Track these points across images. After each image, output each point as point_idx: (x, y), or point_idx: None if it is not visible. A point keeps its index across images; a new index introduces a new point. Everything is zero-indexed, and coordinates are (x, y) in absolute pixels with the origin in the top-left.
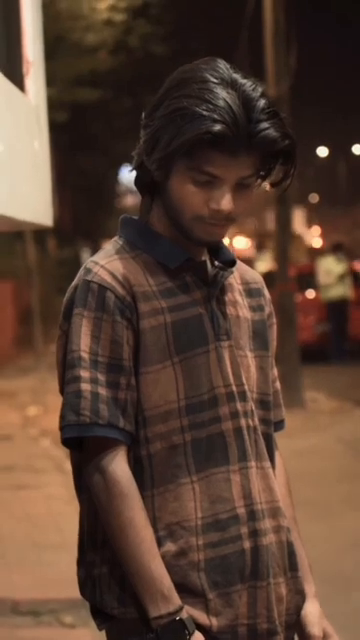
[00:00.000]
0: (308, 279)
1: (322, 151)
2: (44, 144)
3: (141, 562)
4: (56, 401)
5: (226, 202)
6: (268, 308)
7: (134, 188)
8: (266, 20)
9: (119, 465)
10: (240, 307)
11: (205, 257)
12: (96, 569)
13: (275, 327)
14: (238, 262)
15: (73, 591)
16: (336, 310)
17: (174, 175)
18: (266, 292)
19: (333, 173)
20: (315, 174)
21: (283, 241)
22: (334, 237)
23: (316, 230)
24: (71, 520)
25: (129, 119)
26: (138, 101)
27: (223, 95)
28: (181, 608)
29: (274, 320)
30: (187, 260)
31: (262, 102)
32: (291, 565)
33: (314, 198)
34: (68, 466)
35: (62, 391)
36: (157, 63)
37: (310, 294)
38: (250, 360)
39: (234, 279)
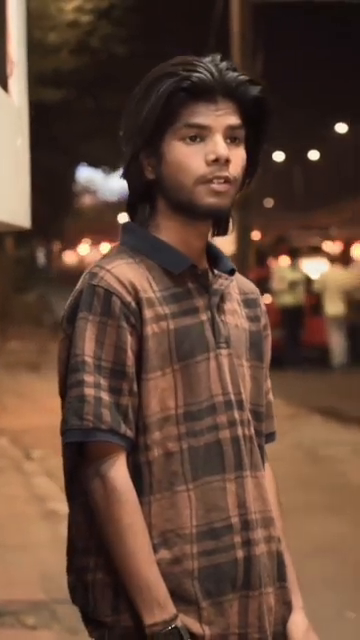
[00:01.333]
0: (264, 284)
1: (278, 156)
2: (25, 146)
3: (138, 569)
4: (13, 401)
5: (221, 148)
6: (264, 319)
7: (92, 187)
8: (233, 27)
9: (119, 471)
10: (238, 317)
11: (205, 265)
12: (89, 575)
13: (270, 339)
14: (236, 272)
15: (35, 592)
16: (290, 316)
17: (166, 150)
18: (262, 303)
19: (289, 178)
20: (271, 179)
21: (243, 246)
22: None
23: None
24: (32, 521)
25: (90, 120)
26: (100, 102)
27: (194, 59)
28: (176, 616)
29: (269, 332)
30: (190, 267)
31: (226, 62)
32: (280, 575)
33: (269, 203)
34: (27, 466)
35: (62, 394)
36: (119, 64)
37: (267, 299)
38: (246, 370)
39: (233, 289)
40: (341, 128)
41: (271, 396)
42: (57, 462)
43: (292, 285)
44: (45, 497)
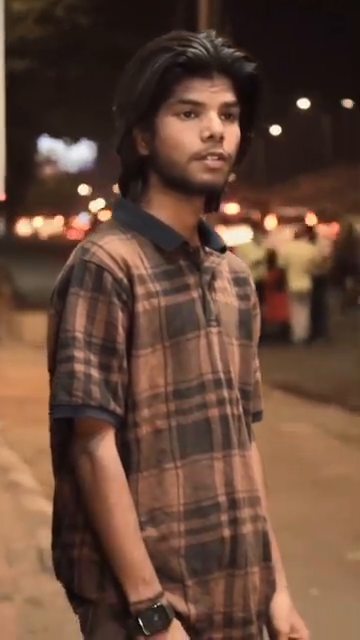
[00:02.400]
0: None
1: None
2: (1, 118)
3: (124, 546)
4: None
5: (216, 124)
6: (253, 298)
7: (53, 157)
8: (201, 1)
9: (107, 448)
10: (228, 295)
11: (197, 243)
12: (75, 551)
13: (259, 318)
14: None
15: None
16: None
17: (159, 125)
18: (252, 282)
19: (250, 153)
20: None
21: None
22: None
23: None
24: None
25: (53, 90)
26: (63, 72)
27: (190, 35)
28: (162, 594)
29: (258, 311)
30: (182, 244)
31: (221, 38)
32: (265, 555)
33: (231, 177)
34: None
35: (51, 369)
36: (83, 35)
37: None
38: (235, 348)
39: (223, 267)
40: (303, 104)
41: (259, 375)
42: (19, 433)
43: (255, 264)
44: (6, 468)
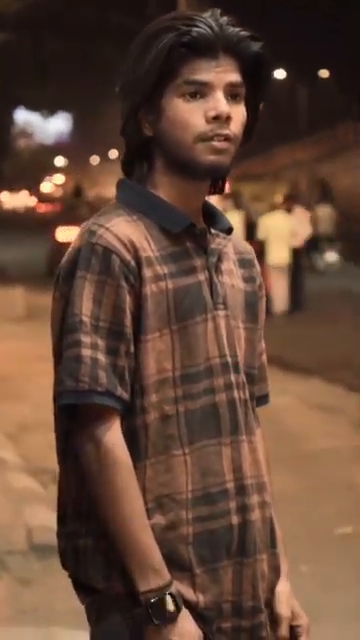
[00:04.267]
0: None
1: None
2: None
3: (132, 534)
4: None
5: (222, 104)
6: (259, 280)
7: (29, 130)
8: None
9: (114, 434)
10: (234, 277)
11: (203, 224)
12: (81, 540)
13: (264, 300)
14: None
15: None
16: None
17: (165, 106)
18: (257, 263)
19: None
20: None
21: None
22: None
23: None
24: None
25: (30, 63)
26: (39, 45)
27: (194, 14)
28: (171, 582)
29: (264, 292)
30: (189, 226)
31: (226, 17)
32: (272, 542)
33: (114, 154)
34: None
35: (56, 355)
36: (61, 7)
37: None
38: (241, 331)
39: (229, 248)
40: (279, 74)
41: (265, 357)
42: (0, 409)
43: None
44: None
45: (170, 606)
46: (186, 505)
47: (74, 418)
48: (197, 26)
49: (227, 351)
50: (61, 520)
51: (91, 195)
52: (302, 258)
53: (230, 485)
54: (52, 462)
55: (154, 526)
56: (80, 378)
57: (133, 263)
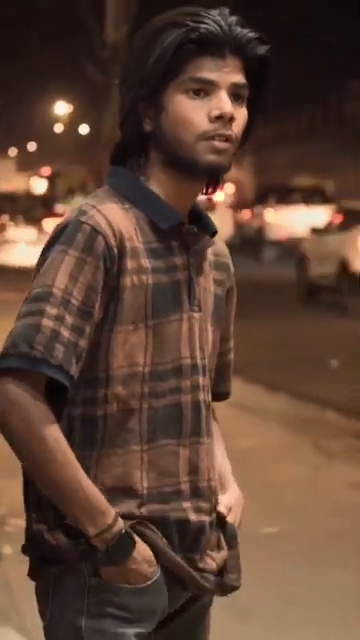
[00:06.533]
0: None
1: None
2: None
3: (74, 479)
4: None
5: (227, 105)
6: (229, 284)
7: None
8: None
9: (42, 400)
10: (208, 279)
11: (189, 224)
12: (31, 524)
13: (235, 300)
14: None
15: None
16: None
17: (167, 102)
18: (232, 268)
19: None
20: None
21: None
22: None
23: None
24: None
25: None
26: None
27: (202, 10)
28: (117, 515)
29: (234, 293)
30: (178, 224)
31: (235, 16)
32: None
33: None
34: None
35: (16, 317)
36: None
37: None
38: (209, 334)
39: (209, 250)
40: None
41: (232, 356)
42: None
43: None
44: None
45: (126, 540)
46: (140, 502)
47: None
48: (205, 23)
49: (198, 353)
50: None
51: None
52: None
53: (185, 486)
54: None
55: None
56: (34, 346)
57: (115, 251)
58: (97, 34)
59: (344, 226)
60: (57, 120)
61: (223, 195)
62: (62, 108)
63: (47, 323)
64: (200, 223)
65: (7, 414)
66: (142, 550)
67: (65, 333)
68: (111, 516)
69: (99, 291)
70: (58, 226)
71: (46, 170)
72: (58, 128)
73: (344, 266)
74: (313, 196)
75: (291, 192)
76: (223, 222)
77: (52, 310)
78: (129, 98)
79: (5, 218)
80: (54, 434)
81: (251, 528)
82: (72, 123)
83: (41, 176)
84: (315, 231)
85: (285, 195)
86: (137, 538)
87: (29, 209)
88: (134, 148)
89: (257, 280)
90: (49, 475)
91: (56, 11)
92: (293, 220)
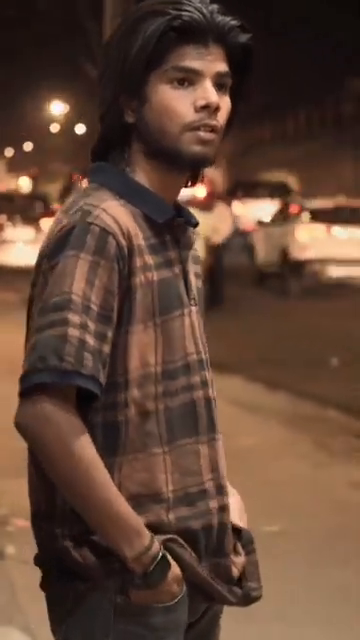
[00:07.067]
0: None
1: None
2: None
3: (109, 500)
4: None
5: (212, 94)
6: (202, 276)
7: None
8: None
9: (75, 413)
10: (192, 272)
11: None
12: (58, 539)
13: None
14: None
15: None
16: None
17: (150, 94)
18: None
19: None
20: None
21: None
22: None
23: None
24: None
25: None
26: None
27: None
28: (153, 537)
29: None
30: (172, 217)
31: (215, 4)
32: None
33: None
34: None
35: (33, 330)
36: None
37: None
38: (202, 328)
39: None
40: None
41: None
42: None
43: None
44: None
45: (163, 563)
46: (167, 506)
47: (28, 396)
48: (187, 10)
49: (201, 347)
50: (36, 515)
51: None
52: (221, 254)
53: (209, 485)
54: None
55: None
56: (65, 358)
57: (126, 250)
58: (96, 34)
59: (286, 219)
60: (53, 120)
61: (204, 190)
62: (58, 108)
63: (73, 332)
64: (182, 215)
65: (43, 433)
66: (173, 569)
67: (90, 341)
68: (147, 537)
69: (116, 293)
70: (62, 229)
71: (35, 171)
72: (54, 128)
73: (285, 254)
74: (277, 191)
75: (257, 187)
76: (223, 220)
77: (75, 318)
78: (110, 90)
79: (3, 218)
80: (91, 453)
81: (251, 527)
82: (68, 123)
83: (30, 176)
84: (261, 224)
85: (252, 189)
86: (171, 560)
87: (27, 209)
88: (116, 141)
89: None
90: (86, 495)
91: (54, 11)
92: (259, 212)
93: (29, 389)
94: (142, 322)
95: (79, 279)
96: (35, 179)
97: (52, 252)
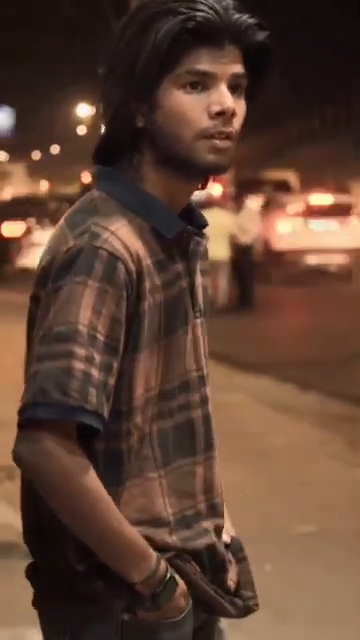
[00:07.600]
0: None
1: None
2: None
3: (115, 530)
4: None
5: (229, 99)
6: (208, 272)
7: None
8: None
9: (77, 447)
10: (200, 283)
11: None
12: (59, 562)
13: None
14: None
15: None
16: None
17: (163, 97)
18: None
19: None
20: None
21: None
22: None
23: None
24: None
25: None
26: None
27: None
28: (160, 559)
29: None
30: (182, 230)
31: (231, 1)
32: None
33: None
34: None
35: (32, 358)
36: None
37: None
38: (206, 337)
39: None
40: None
41: None
42: None
43: None
44: None
45: (170, 584)
46: (170, 530)
47: (27, 429)
48: (201, 10)
49: (202, 362)
50: (32, 532)
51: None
52: (251, 255)
53: (202, 506)
54: (6, 459)
55: None
56: (69, 393)
57: (135, 275)
58: None
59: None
60: (80, 122)
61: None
62: (84, 110)
63: (78, 366)
64: (192, 218)
65: (44, 469)
66: (180, 585)
67: (95, 374)
68: (154, 559)
69: (123, 322)
70: (69, 250)
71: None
72: (81, 130)
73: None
74: (279, 188)
75: (261, 184)
76: (251, 220)
77: (81, 351)
78: (118, 92)
79: (31, 221)
80: (95, 485)
81: (286, 528)
82: (95, 125)
83: (49, 180)
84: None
85: (256, 187)
86: (178, 577)
87: (56, 211)
88: (125, 146)
89: None
90: (90, 526)
91: (79, 14)
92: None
93: (29, 421)
94: (149, 346)
95: (86, 307)
96: (51, 182)
97: (57, 274)
